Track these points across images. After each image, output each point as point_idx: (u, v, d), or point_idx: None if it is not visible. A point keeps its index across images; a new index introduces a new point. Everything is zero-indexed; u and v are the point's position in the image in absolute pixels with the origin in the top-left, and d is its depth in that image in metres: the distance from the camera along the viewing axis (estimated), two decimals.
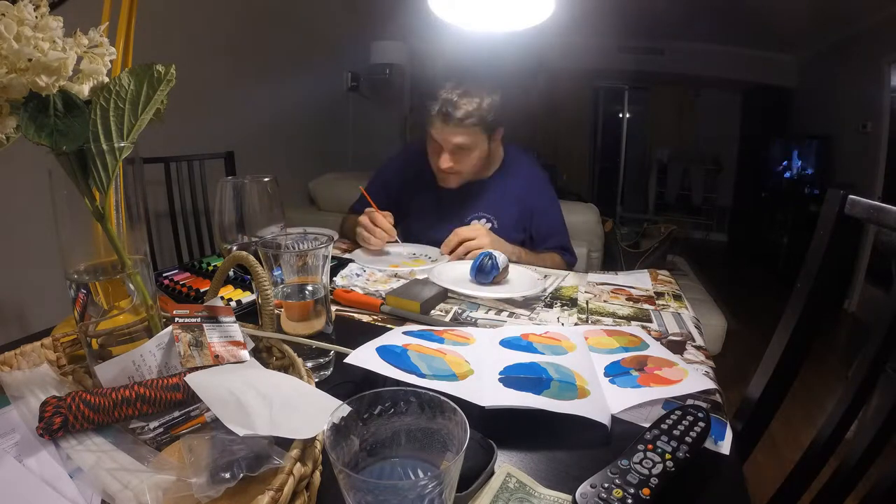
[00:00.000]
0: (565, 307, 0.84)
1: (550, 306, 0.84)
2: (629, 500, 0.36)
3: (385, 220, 1.09)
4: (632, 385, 0.54)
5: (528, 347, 0.61)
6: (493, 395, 0.49)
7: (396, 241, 1.11)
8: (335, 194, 2.27)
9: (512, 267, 0.98)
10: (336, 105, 3.01)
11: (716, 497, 0.42)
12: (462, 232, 1.06)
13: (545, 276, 0.98)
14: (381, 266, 1.01)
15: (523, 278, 0.94)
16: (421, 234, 1.20)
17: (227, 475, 0.32)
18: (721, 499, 0.42)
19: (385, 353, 0.54)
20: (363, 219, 1.10)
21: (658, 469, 0.39)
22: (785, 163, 4.10)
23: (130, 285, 0.45)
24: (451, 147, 1.10)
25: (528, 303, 0.84)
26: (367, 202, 1.20)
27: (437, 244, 1.12)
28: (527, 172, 1.26)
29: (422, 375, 0.50)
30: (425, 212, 1.25)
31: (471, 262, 0.92)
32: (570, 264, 1.25)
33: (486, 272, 0.88)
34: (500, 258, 0.89)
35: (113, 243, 0.43)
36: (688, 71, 4.37)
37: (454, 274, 0.93)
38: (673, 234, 2.95)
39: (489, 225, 1.22)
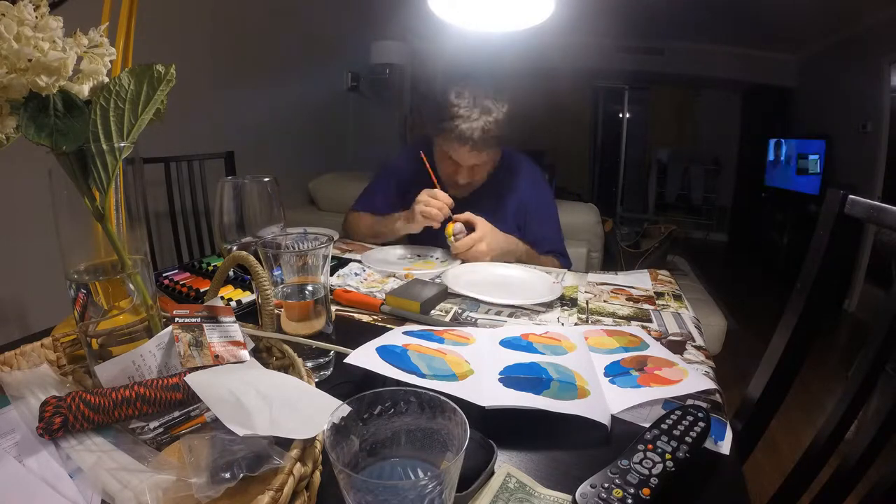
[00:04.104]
0: (565, 307, 0.84)
1: (550, 306, 0.84)
2: (629, 500, 0.36)
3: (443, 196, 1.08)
4: (632, 385, 0.54)
5: (528, 347, 0.61)
6: (493, 395, 0.49)
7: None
8: (335, 194, 2.27)
9: (527, 270, 1.00)
10: (336, 105, 3.02)
11: (716, 497, 0.42)
12: (466, 243, 1.05)
13: (550, 273, 0.98)
14: (390, 268, 1.00)
15: (540, 283, 0.93)
16: (419, 234, 1.20)
17: (227, 475, 0.32)
18: (721, 499, 0.42)
19: (385, 353, 0.54)
20: (424, 195, 1.08)
21: (658, 469, 0.39)
22: (785, 163, 4.10)
23: (130, 285, 0.45)
24: (468, 165, 1.12)
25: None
26: (370, 200, 1.28)
27: (435, 243, 1.14)
28: (524, 172, 1.27)
29: (422, 375, 0.50)
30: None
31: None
32: (564, 268, 1.25)
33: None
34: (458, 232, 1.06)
35: (113, 243, 0.43)
36: (688, 71, 4.37)
37: (469, 278, 0.93)
38: (673, 234, 2.95)
39: None
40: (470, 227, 1.06)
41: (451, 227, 1.06)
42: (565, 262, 1.25)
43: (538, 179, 1.29)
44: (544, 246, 1.24)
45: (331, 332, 0.59)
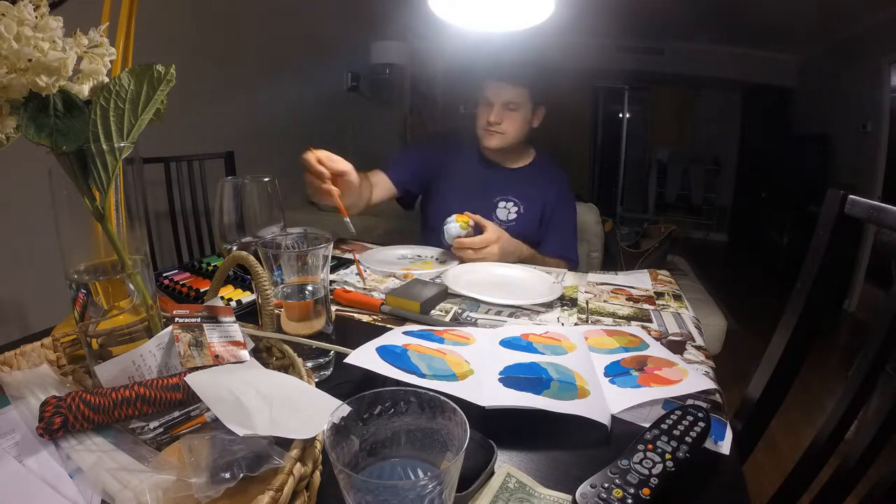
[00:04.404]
0: (565, 307, 0.84)
1: (550, 306, 0.84)
2: (629, 500, 0.36)
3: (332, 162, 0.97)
4: (632, 385, 0.54)
5: (528, 347, 0.61)
6: (493, 395, 0.49)
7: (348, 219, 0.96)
8: None
9: (527, 270, 1.00)
10: (336, 105, 3.01)
11: (716, 497, 0.42)
12: (477, 241, 1.05)
13: (550, 273, 0.98)
14: (390, 268, 1.00)
15: (540, 283, 0.93)
16: (450, 208, 1.20)
17: (227, 475, 0.32)
18: (721, 499, 0.42)
19: (385, 353, 0.54)
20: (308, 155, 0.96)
21: (658, 469, 0.39)
22: (784, 163, 4.10)
23: (130, 285, 0.45)
24: (500, 102, 1.18)
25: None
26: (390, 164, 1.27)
27: (436, 244, 1.14)
28: (554, 177, 1.34)
29: (422, 375, 0.50)
30: (456, 189, 1.28)
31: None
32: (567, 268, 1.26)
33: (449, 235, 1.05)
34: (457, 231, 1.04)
35: (113, 243, 0.43)
36: (688, 71, 4.37)
37: (469, 278, 0.93)
38: (673, 234, 2.95)
39: (516, 209, 1.27)
40: (478, 230, 1.06)
41: (466, 218, 1.05)
42: (572, 266, 1.26)
43: (567, 189, 1.36)
44: (554, 245, 1.27)
45: (331, 332, 0.59)
